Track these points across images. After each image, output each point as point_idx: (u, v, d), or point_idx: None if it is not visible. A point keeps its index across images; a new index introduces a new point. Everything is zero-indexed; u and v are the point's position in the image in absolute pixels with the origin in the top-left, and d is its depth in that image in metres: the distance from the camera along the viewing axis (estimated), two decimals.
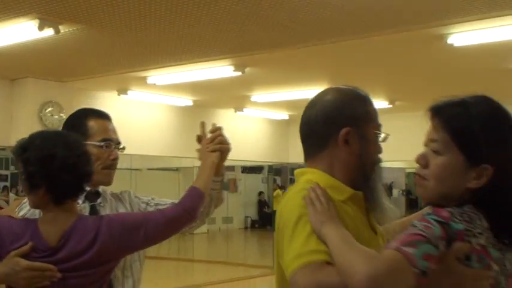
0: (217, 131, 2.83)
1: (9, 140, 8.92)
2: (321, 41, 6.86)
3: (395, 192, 23.95)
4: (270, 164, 14.75)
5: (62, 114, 9.13)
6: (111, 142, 2.86)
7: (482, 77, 9.03)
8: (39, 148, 2.35)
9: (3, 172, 8.69)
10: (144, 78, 9.02)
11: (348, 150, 1.91)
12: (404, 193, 23.14)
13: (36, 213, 2.55)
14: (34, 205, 2.41)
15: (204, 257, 16.65)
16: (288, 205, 1.83)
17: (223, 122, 13.32)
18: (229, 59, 7.85)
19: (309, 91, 10.16)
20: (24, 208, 2.71)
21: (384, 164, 1.98)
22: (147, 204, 3.00)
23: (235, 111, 12.32)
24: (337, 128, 1.91)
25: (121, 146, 2.94)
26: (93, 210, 2.75)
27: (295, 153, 14.15)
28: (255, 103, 11.34)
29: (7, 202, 12.78)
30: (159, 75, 8.85)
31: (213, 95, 10.77)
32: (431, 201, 1.73)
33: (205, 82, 9.24)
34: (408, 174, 22.11)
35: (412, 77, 9.25)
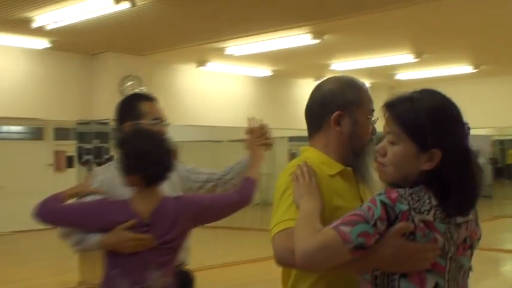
0: (265, 128, 3.39)
1: (92, 114, 9.07)
2: (404, 3, 6.62)
3: (480, 160, 23.28)
4: None
5: (142, 88, 9.19)
6: (159, 120, 3.40)
7: None
8: (136, 146, 2.95)
9: (87, 146, 8.82)
10: (222, 49, 8.98)
11: (339, 130, 2.23)
12: (491, 161, 22.45)
13: (105, 184, 3.17)
14: (129, 185, 2.95)
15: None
16: (279, 179, 2.18)
17: (303, 92, 13.27)
18: (307, 26, 7.70)
19: (391, 58, 9.93)
20: (96, 182, 3.20)
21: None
22: (189, 171, 3.60)
23: (315, 80, 12.16)
24: (330, 111, 2.24)
25: (166, 123, 3.47)
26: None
27: (378, 122, 13.89)
28: (335, 72, 11.13)
29: None
30: (236, 46, 8.79)
31: (291, 64, 10.65)
32: (393, 183, 1.98)
33: (283, 51, 9.12)
34: (493, 142, 21.31)
35: (498, 39, 8.89)
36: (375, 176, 2.19)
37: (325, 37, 8.18)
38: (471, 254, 2.02)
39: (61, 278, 9.04)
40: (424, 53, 9.67)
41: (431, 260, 1.88)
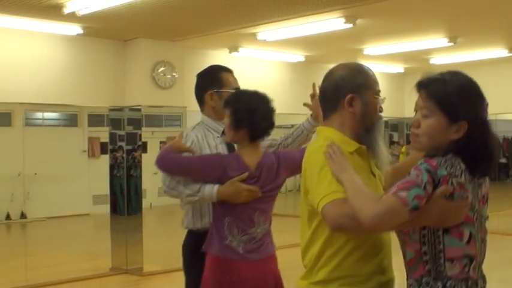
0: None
1: (124, 100, 9.10)
2: None
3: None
4: (385, 119, 14.43)
5: (174, 74, 9.22)
6: (238, 89, 3.68)
7: None
8: (246, 102, 3.33)
9: (120, 132, 8.84)
10: (254, 35, 8.94)
11: (352, 111, 2.50)
12: None
13: (195, 144, 3.50)
14: (232, 140, 3.39)
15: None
16: (312, 157, 2.45)
17: None
18: (340, 10, 7.64)
19: (425, 41, 9.81)
20: (188, 140, 3.51)
21: (504, 117, 2.78)
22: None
23: None
24: (343, 95, 2.50)
25: None
26: (229, 143, 3.59)
27: (412, 107, 13.78)
28: (368, 56, 11.06)
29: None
30: (268, 31, 8.75)
31: (324, 49, 10.58)
32: (426, 152, 2.31)
33: (316, 36, 9.06)
34: None
35: None
36: (384, 150, 2.55)
37: (358, 21, 8.10)
38: (487, 207, 2.42)
39: (93, 264, 9.09)
40: (459, 36, 9.53)
41: (465, 213, 2.26)
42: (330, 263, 2.43)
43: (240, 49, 10.08)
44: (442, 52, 10.92)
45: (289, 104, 11.07)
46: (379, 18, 8.29)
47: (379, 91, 2.60)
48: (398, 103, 13.35)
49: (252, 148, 3.38)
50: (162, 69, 9.17)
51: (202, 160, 3.41)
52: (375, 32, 9.14)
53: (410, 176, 2.21)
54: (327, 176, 2.35)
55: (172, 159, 3.39)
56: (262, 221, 3.44)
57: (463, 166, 2.26)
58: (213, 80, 3.73)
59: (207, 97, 3.67)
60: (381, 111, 2.61)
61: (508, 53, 10.79)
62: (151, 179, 10.75)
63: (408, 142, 18.30)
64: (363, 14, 7.87)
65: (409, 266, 2.37)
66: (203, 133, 3.60)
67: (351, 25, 8.13)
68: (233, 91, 3.61)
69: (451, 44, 9.73)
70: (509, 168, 23.63)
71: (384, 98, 2.61)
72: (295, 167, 3.40)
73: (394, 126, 17.15)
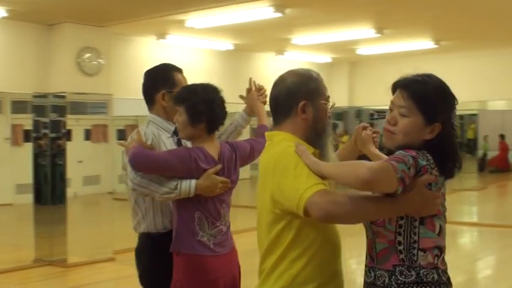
0: (263, 88, 3.93)
1: (49, 87, 8.87)
2: None
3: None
4: None
5: (100, 60, 9.03)
6: None
7: None
8: (202, 95, 3.38)
9: (44, 119, 8.64)
10: (183, 22, 8.85)
11: (305, 117, 2.60)
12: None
13: (155, 139, 3.47)
14: (190, 136, 3.39)
15: (247, 203, 16.72)
16: (282, 158, 2.48)
17: (264, 66, 13.19)
18: None
19: (353, 32, 9.91)
20: (148, 138, 3.45)
21: None
22: None
23: (276, 55, 12.11)
24: (296, 101, 2.59)
25: None
26: (180, 142, 3.61)
27: (338, 96, 13.98)
28: (297, 46, 11.11)
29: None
30: (198, 18, 8.66)
31: (253, 38, 10.56)
32: (395, 148, 2.47)
33: (245, 25, 9.03)
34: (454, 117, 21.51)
35: (458, 15, 8.92)
36: (332, 153, 2.67)
37: (287, 11, 8.10)
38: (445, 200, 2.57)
39: (16, 256, 8.91)
40: (386, 28, 9.66)
41: (438, 205, 2.44)
42: (293, 267, 2.48)
43: (167, 36, 9.96)
44: (370, 43, 11.05)
45: None
46: (308, 8, 8.31)
47: (328, 97, 2.70)
48: None
49: (210, 140, 3.42)
50: (88, 55, 8.96)
51: (173, 155, 3.34)
52: (303, 21, 9.16)
53: (397, 154, 2.35)
54: (303, 171, 2.41)
55: (146, 157, 3.27)
56: (226, 213, 3.51)
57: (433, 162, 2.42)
58: (165, 79, 3.69)
59: (158, 97, 3.63)
60: (329, 116, 2.71)
61: (434, 44, 10.99)
62: (76, 167, 10.58)
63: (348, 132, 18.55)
64: (292, 4, 7.87)
65: (378, 257, 2.49)
66: (156, 132, 3.56)
67: (280, 14, 8.12)
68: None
69: (379, 35, 9.85)
70: None
71: (334, 103, 2.75)
72: (246, 157, 3.61)
73: None
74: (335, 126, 19.26)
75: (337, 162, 2.50)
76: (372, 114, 25.91)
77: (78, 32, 8.94)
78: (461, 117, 19.21)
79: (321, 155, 2.60)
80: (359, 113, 21.20)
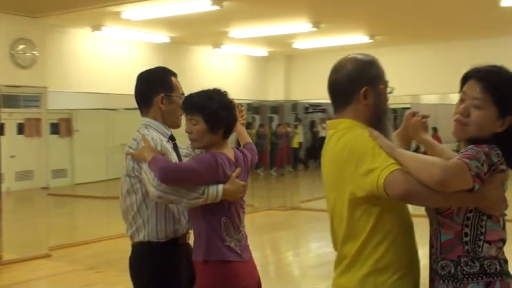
0: (242, 110, 3.87)
1: None
2: None
3: None
4: (248, 102, 14.58)
5: (34, 52, 8.85)
6: (183, 95, 3.61)
7: (465, 9, 8.89)
8: (219, 100, 3.33)
9: None
10: (119, 13, 8.74)
11: (366, 103, 2.61)
12: None
13: (162, 145, 3.41)
14: (208, 145, 3.35)
15: None
16: (357, 142, 2.50)
17: (201, 59, 13.13)
18: None
19: (289, 26, 9.96)
20: (157, 144, 3.38)
21: None
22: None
23: (213, 48, 12.09)
24: (358, 88, 2.60)
25: None
26: (176, 147, 3.61)
27: (274, 90, 14.04)
28: (234, 39, 11.10)
29: None
30: (134, 10, 8.57)
31: (190, 31, 10.51)
32: (465, 140, 2.50)
33: (182, 17, 8.98)
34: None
35: (393, 10, 9.07)
36: (394, 138, 2.70)
37: (225, 3, 8.10)
38: None
39: None
40: (322, 22, 9.74)
41: (499, 212, 2.48)
42: (377, 252, 2.52)
43: (103, 28, 9.81)
44: (306, 37, 11.13)
45: None
46: (246, 2, 8.32)
47: (387, 81, 2.71)
48: (261, 86, 13.52)
49: (225, 145, 3.42)
50: (21, 46, 8.77)
51: (201, 164, 3.28)
52: (241, 15, 9.17)
53: (469, 152, 2.38)
54: (382, 153, 2.43)
55: (177, 170, 3.23)
56: (243, 219, 3.51)
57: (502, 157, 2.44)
58: (163, 83, 3.61)
59: (157, 100, 3.54)
60: (387, 100, 2.72)
61: (369, 39, 11.14)
62: (8, 162, 10.34)
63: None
64: None
65: (443, 247, 2.51)
66: (159, 137, 3.48)
67: (217, 7, 8.11)
68: (181, 96, 3.58)
69: (315, 29, 9.93)
70: None
71: (393, 88, 2.72)
72: (251, 164, 3.62)
73: (256, 109, 17.39)
74: (271, 119, 19.41)
75: (412, 153, 2.44)
76: (307, 108, 26.19)
77: (12, 22, 8.73)
78: (395, 110, 19.52)
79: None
80: (295, 106, 21.38)
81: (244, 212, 3.50)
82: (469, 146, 2.43)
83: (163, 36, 10.80)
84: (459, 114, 2.51)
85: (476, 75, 2.50)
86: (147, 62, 11.09)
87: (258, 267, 3.57)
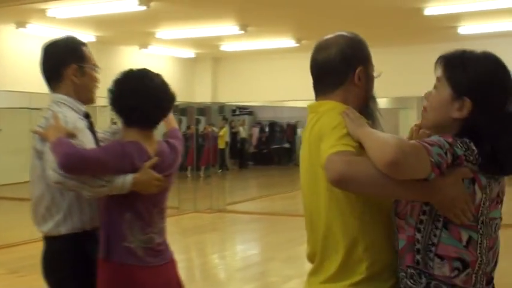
0: None
1: None
2: None
3: (300, 131, 24.21)
4: (175, 103, 14.50)
5: None
6: (96, 66, 3.38)
7: (390, 16, 9.11)
8: (117, 87, 3.11)
9: None
10: (44, 11, 8.59)
11: (359, 85, 2.36)
12: None
13: (71, 122, 3.04)
14: (128, 126, 3.07)
15: None
16: (327, 118, 2.23)
17: (127, 60, 13.02)
18: None
19: (216, 28, 10.00)
20: (69, 122, 3.03)
21: (289, 104, 2.33)
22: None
23: (140, 49, 12.01)
24: (353, 67, 2.34)
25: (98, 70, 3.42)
26: (92, 125, 3.23)
27: (201, 92, 14.04)
28: (161, 40, 11.07)
29: None
30: (59, 8, 8.45)
31: (116, 30, 10.42)
32: (430, 129, 2.20)
33: (108, 16, 8.91)
34: None
35: (318, 15, 9.20)
36: (381, 123, 2.41)
37: (152, 4, 8.06)
38: (501, 207, 2.17)
39: None
40: (249, 25, 9.81)
41: (464, 220, 2.04)
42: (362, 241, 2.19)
43: (28, 25, 9.63)
44: (233, 39, 11.18)
45: None
46: (174, 2, 8.31)
47: (373, 65, 2.47)
48: (188, 88, 13.50)
49: (148, 135, 3.13)
50: None
51: (108, 154, 2.96)
52: (168, 15, 9.15)
53: (431, 138, 2.05)
54: (342, 131, 2.14)
55: (81, 159, 2.85)
56: (159, 220, 3.14)
57: (476, 155, 2.06)
58: (74, 52, 3.28)
59: (68, 71, 3.20)
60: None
61: (296, 43, 11.26)
62: None
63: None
64: None
65: (400, 256, 2.15)
66: (72, 115, 3.12)
67: (144, 7, 8.06)
68: (94, 67, 3.33)
69: (242, 32, 9.98)
70: (292, 153, 24.84)
71: (382, 71, 2.46)
72: (178, 160, 3.28)
73: (183, 110, 17.36)
74: (198, 121, 19.40)
75: (373, 130, 2.13)
76: (234, 110, 26.31)
77: None
78: None
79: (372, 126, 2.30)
80: (222, 108, 21.41)
81: (161, 212, 3.15)
82: (431, 136, 2.10)
83: (89, 35, 10.67)
84: (425, 99, 2.24)
85: (441, 57, 2.23)
86: None
87: (183, 270, 3.31)
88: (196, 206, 13.51)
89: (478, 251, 2.07)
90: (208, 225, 12.24)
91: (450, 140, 2.03)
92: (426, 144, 1.97)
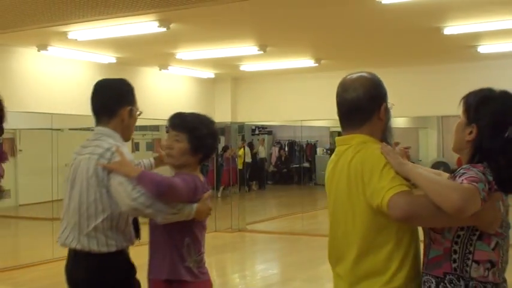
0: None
1: None
2: None
3: (319, 151, 24.17)
4: None
5: None
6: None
7: (409, 36, 9.10)
8: (209, 127, 3.52)
9: None
10: (65, 34, 8.69)
11: (383, 119, 2.75)
12: (329, 152, 23.32)
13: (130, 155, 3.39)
14: (183, 165, 3.46)
15: None
16: (371, 159, 2.59)
17: (148, 80, 13.10)
18: (154, 14, 7.62)
19: (235, 48, 10.04)
20: (130, 157, 3.37)
21: (308, 123, 3.25)
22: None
23: (160, 69, 12.09)
24: (379, 104, 2.74)
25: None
26: None
27: (221, 112, 14.08)
28: (180, 61, 11.14)
29: None
30: (80, 30, 8.53)
31: (137, 52, 10.51)
32: (454, 151, 2.70)
33: (129, 38, 8.99)
34: (332, 133, 22.10)
35: (338, 35, 9.25)
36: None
37: (172, 25, 8.14)
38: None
39: None
40: (268, 45, 9.85)
41: (494, 230, 2.52)
42: (404, 266, 2.59)
43: (49, 48, 9.74)
44: (252, 60, 11.23)
45: None
46: (193, 24, 8.38)
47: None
48: (208, 108, 13.55)
49: (197, 169, 3.56)
50: None
51: (186, 184, 3.36)
52: (188, 37, 9.22)
53: (469, 173, 2.47)
54: (390, 173, 2.52)
55: (171, 187, 3.26)
56: (204, 241, 3.58)
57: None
58: (130, 96, 3.63)
59: (123, 112, 3.52)
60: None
61: (315, 63, 11.28)
62: None
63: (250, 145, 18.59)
64: (177, 19, 7.91)
65: (431, 263, 2.58)
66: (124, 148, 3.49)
67: (164, 29, 8.14)
68: (139, 112, 3.63)
69: (261, 52, 10.03)
70: (312, 172, 24.77)
71: (393, 104, 2.83)
72: None
73: None
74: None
75: (425, 172, 2.56)
76: (253, 130, 26.31)
77: None
78: (339, 133, 19.70)
79: None
80: (241, 128, 21.44)
81: (205, 234, 3.58)
82: (465, 166, 2.55)
83: (109, 57, 10.78)
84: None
85: (464, 97, 2.70)
86: (93, 83, 11.03)
87: None
88: (217, 225, 13.52)
89: (501, 252, 2.56)
90: (229, 245, 12.23)
91: (482, 169, 2.48)
92: (476, 185, 2.38)
